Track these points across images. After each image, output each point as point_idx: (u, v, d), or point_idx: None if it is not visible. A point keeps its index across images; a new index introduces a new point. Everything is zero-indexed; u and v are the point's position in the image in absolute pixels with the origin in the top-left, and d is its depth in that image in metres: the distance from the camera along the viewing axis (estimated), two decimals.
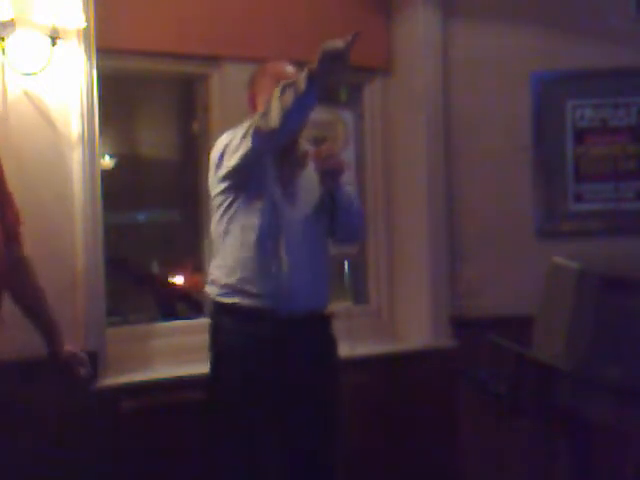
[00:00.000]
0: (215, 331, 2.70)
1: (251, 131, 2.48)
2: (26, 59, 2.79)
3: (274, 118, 2.41)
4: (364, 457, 3.35)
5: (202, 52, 3.28)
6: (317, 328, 2.69)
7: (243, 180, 2.60)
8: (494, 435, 3.49)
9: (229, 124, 3.26)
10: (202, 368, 3.12)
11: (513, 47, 3.61)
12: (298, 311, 2.60)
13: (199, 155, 3.48)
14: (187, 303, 4.11)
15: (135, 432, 2.94)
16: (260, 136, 2.46)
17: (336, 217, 2.69)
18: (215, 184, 2.69)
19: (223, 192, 2.66)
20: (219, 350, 2.68)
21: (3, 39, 2.74)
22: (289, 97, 2.38)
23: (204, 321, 3.36)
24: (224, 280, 2.64)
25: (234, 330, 2.64)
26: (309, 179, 2.70)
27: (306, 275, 2.61)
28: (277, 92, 2.41)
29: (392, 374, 3.48)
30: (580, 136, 3.64)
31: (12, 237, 2.35)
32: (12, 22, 2.74)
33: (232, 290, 2.62)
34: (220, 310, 2.68)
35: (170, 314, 3.94)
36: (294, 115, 2.41)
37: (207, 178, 3.40)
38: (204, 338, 3.24)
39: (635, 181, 3.63)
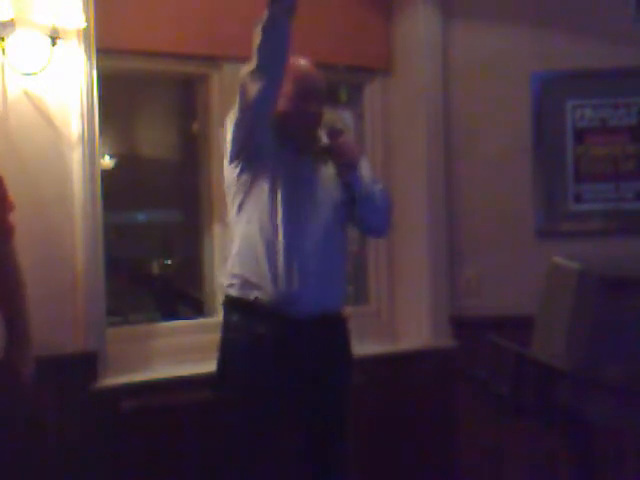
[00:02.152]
0: (224, 327, 2.67)
1: (239, 90, 2.51)
2: (26, 59, 2.79)
3: (252, 62, 2.46)
4: (364, 457, 3.35)
5: (202, 52, 3.28)
6: (324, 329, 2.63)
7: (248, 162, 2.57)
8: (494, 435, 3.49)
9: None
10: (202, 368, 3.13)
11: (513, 47, 3.61)
12: (303, 312, 2.56)
13: (199, 155, 3.49)
14: (187, 303, 4.11)
15: (135, 432, 2.94)
16: (244, 88, 2.49)
17: (356, 210, 2.66)
18: (226, 166, 2.65)
19: (232, 175, 2.62)
20: (225, 347, 2.66)
21: (3, 39, 2.74)
22: (258, 32, 2.42)
23: (204, 321, 3.38)
24: (233, 270, 2.62)
25: (239, 327, 2.61)
26: (331, 176, 2.68)
27: (315, 277, 2.56)
28: None
29: (392, 374, 3.48)
30: (580, 136, 3.64)
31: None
32: (12, 22, 2.74)
33: (239, 282, 2.58)
34: (228, 305, 2.65)
35: (170, 314, 3.94)
36: (266, 45, 2.43)
37: (207, 178, 3.42)
38: (204, 338, 3.26)
39: (635, 181, 3.63)
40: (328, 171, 2.68)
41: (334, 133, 2.64)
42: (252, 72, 2.46)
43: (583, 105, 3.63)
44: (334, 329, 2.69)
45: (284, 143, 2.62)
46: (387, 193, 2.81)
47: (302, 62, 2.67)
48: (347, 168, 2.61)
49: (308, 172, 2.65)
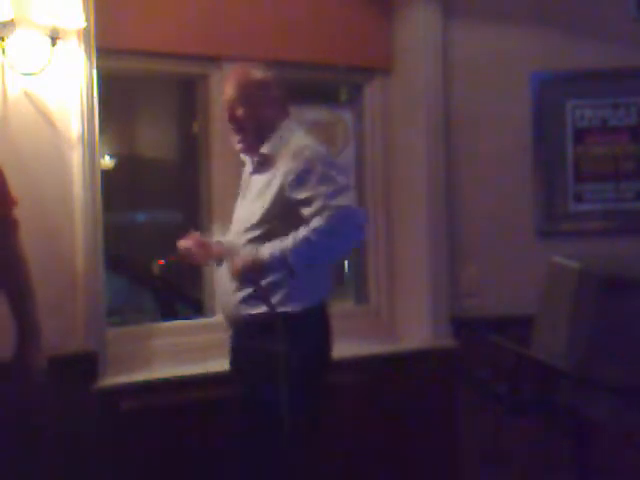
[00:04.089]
0: None
1: None
2: (26, 59, 2.79)
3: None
4: (363, 457, 3.35)
5: (202, 52, 3.28)
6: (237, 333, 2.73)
7: None
8: (494, 435, 3.49)
9: (229, 124, 3.27)
10: (202, 368, 3.13)
11: (513, 47, 3.61)
12: (231, 318, 2.71)
13: (199, 155, 3.48)
14: (187, 303, 4.11)
15: (135, 432, 2.94)
16: None
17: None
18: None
19: None
20: None
21: (3, 39, 2.74)
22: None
23: (204, 321, 3.39)
24: None
25: None
26: (264, 182, 2.65)
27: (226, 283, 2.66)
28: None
29: (392, 374, 3.48)
30: (580, 136, 3.64)
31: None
32: (12, 22, 2.74)
33: None
34: None
35: (170, 314, 3.94)
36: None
37: (207, 178, 3.42)
38: (204, 338, 3.27)
39: (635, 181, 3.63)
40: (262, 177, 2.66)
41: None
42: None
43: (583, 105, 3.63)
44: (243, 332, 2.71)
45: None
46: (335, 217, 2.47)
47: (248, 69, 2.73)
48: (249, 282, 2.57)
49: (245, 182, 2.77)
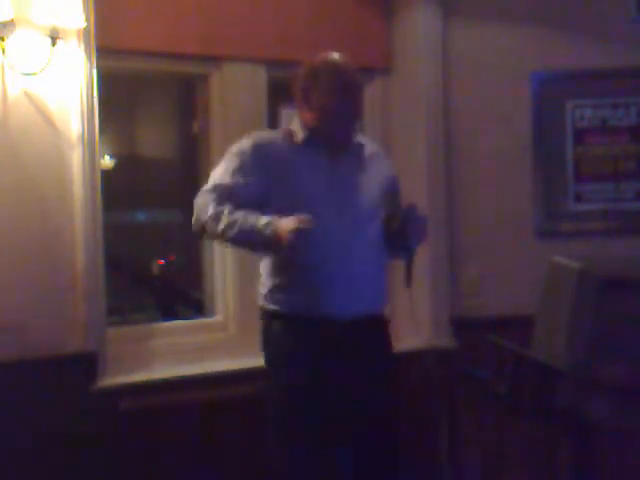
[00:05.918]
0: None
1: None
2: (26, 59, 2.79)
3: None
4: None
5: (202, 52, 3.28)
6: None
7: None
8: (494, 435, 3.49)
9: (229, 124, 3.27)
10: (202, 368, 3.13)
11: (513, 47, 3.61)
12: None
13: (199, 155, 3.48)
14: (187, 303, 4.12)
15: (135, 432, 2.94)
16: None
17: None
18: None
19: None
20: None
21: (3, 39, 2.74)
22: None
23: (204, 321, 3.38)
24: None
25: None
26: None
27: None
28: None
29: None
30: (580, 136, 3.64)
31: None
32: (12, 22, 2.74)
33: None
34: None
35: (170, 314, 3.94)
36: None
37: (207, 178, 3.41)
38: (204, 338, 3.26)
39: (635, 181, 3.63)
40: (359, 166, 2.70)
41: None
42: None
43: (583, 105, 3.63)
44: None
45: (317, 143, 2.60)
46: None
47: (337, 57, 2.66)
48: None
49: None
